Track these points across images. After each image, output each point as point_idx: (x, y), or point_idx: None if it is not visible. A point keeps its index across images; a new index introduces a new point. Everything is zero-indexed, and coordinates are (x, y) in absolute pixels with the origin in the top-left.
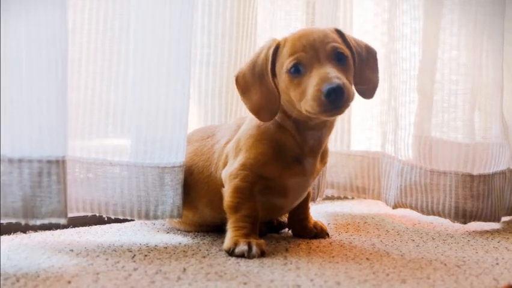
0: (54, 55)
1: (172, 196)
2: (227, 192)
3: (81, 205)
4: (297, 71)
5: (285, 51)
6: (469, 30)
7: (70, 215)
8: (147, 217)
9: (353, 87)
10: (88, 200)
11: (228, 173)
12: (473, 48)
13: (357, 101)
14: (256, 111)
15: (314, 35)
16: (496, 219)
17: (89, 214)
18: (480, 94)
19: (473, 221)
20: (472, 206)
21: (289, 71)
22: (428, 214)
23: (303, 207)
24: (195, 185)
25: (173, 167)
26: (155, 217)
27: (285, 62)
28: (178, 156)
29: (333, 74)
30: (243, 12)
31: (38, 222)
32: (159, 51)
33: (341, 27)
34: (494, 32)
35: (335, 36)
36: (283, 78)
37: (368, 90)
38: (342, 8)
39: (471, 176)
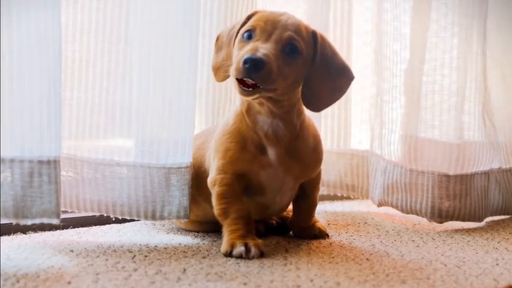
0: (47, 56)
1: (178, 197)
2: (213, 201)
3: (89, 205)
4: (249, 36)
5: (252, 19)
6: (454, 32)
7: (78, 214)
8: (153, 218)
9: (299, 89)
10: (95, 200)
11: (210, 181)
12: (458, 50)
13: (355, 102)
14: (216, 69)
15: (282, 17)
16: (477, 219)
17: (97, 214)
18: (463, 95)
19: (450, 220)
20: (448, 205)
21: (242, 34)
22: (408, 213)
23: (307, 215)
24: (196, 179)
25: (179, 167)
26: (162, 218)
27: (245, 27)
28: (184, 156)
29: (263, 50)
30: (230, 12)
31: (29, 222)
32: (164, 51)
33: (338, 26)
34: (479, 34)
35: (303, 32)
36: (237, 40)
37: (313, 102)
38: (339, 8)
39: (447, 176)
